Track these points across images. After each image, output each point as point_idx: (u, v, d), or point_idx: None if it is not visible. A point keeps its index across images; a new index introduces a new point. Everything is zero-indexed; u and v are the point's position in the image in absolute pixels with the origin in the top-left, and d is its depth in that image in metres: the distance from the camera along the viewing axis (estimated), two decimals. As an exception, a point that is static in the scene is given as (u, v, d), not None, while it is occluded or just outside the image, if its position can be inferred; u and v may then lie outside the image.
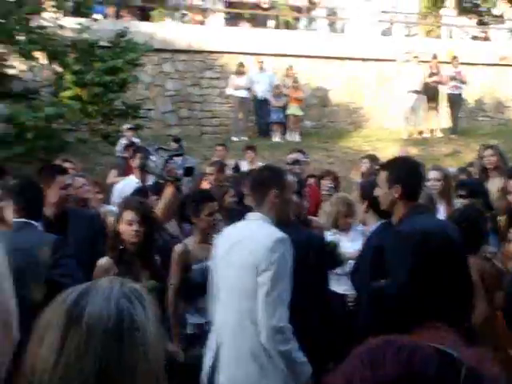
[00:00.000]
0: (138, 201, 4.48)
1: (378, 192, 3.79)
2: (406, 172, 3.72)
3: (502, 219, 4.99)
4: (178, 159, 5.31)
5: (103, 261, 4.22)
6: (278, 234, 3.34)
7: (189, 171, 5.25)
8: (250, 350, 3.29)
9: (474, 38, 18.78)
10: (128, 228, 4.20)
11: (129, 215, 4.22)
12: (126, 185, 7.11)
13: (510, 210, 4.54)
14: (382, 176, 3.75)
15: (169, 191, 5.02)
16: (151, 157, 5.26)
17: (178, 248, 4.71)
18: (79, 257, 3.97)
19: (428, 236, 3.57)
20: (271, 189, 3.46)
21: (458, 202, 5.28)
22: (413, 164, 3.85)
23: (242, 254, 3.34)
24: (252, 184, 3.60)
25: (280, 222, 3.59)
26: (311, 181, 7.74)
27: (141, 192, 5.63)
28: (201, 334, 4.48)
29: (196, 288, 4.55)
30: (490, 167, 6.56)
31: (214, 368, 3.46)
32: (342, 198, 5.62)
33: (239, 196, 6.66)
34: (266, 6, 17.13)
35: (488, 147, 6.97)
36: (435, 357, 0.92)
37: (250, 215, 3.54)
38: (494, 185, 6.11)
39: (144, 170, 5.48)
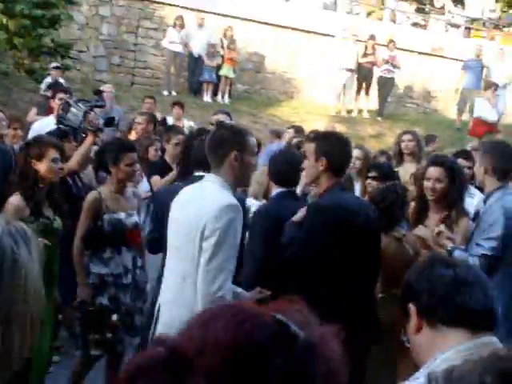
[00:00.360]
0: (59, 140, 4.56)
1: (304, 164, 3.83)
2: (334, 146, 3.74)
3: (411, 205, 5.15)
4: (99, 110, 5.31)
5: (15, 200, 4.17)
6: (227, 199, 3.18)
7: (109, 122, 5.23)
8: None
9: (414, 24, 19.09)
10: (52, 165, 4.26)
11: (54, 153, 4.28)
12: (43, 125, 6.89)
13: (421, 196, 4.66)
14: (310, 148, 3.77)
15: (88, 140, 5.08)
16: (71, 109, 5.26)
17: (90, 195, 4.66)
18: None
19: (346, 211, 3.69)
20: (231, 150, 3.25)
21: (369, 184, 5.41)
22: (342, 140, 3.86)
23: (188, 216, 3.22)
24: (210, 144, 3.34)
25: (239, 186, 3.57)
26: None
27: (60, 133, 5.49)
28: (102, 285, 4.52)
29: (103, 237, 4.54)
30: (406, 152, 6.64)
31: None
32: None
33: (162, 151, 6.63)
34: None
35: (407, 132, 7.03)
36: (271, 327, 0.90)
37: (207, 176, 3.40)
38: (406, 170, 6.22)
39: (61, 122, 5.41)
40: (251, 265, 3.93)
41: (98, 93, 6.02)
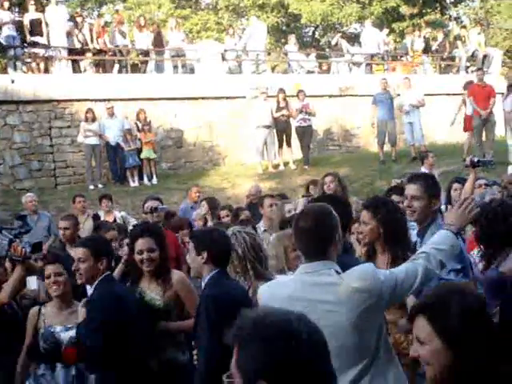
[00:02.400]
0: None
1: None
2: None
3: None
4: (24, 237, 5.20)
5: None
6: None
7: (37, 247, 5.10)
8: None
9: (319, 71, 19.65)
10: None
11: None
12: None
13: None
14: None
15: (16, 272, 4.96)
16: None
17: (32, 310, 4.74)
18: None
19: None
20: None
21: None
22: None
23: None
24: None
25: None
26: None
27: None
28: None
29: (40, 354, 4.50)
30: (329, 192, 6.85)
31: None
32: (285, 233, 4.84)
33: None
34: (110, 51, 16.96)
35: (327, 174, 7.33)
36: None
37: None
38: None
39: None
40: None
41: (21, 217, 5.84)
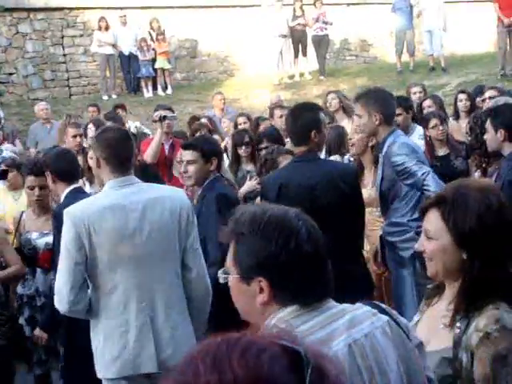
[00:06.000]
0: None
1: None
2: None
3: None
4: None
5: None
6: None
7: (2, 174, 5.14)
8: None
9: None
10: None
11: None
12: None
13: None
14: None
15: None
16: None
17: (16, 214, 4.99)
18: None
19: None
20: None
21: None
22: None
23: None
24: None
25: None
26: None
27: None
28: (21, 305, 4.74)
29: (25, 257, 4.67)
30: (333, 110, 7.42)
31: None
32: None
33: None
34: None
35: (330, 92, 7.89)
36: (283, 356, 0.87)
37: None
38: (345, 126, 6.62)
39: None
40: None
41: None
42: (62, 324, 4.11)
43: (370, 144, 5.01)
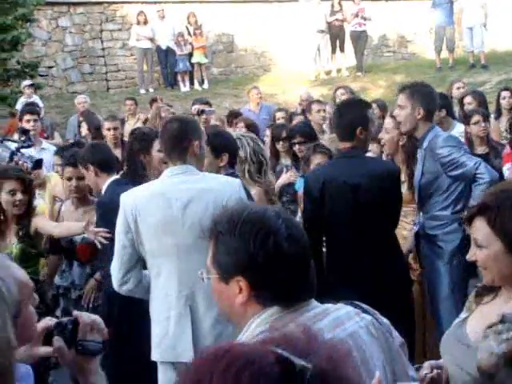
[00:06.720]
0: (18, 169, 4.42)
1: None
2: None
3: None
4: (27, 151, 5.12)
5: None
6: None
7: (37, 164, 5.05)
8: None
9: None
10: (10, 198, 4.16)
11: (11, 185, 4.18)
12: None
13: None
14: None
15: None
16: None
17: (55, 206, 5.09)
18: None
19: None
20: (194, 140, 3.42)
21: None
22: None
23: None
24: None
25: None
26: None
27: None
28: (57, 295, 4.78)
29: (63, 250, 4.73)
30: None
31: None
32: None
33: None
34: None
35: (339, 87, 8.04)
36: (274, 366, 0.83)
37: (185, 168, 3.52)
38: None
39: None
40: None
41: (25, 132, 5.61)
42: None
43: (401, 143, 4.89)
